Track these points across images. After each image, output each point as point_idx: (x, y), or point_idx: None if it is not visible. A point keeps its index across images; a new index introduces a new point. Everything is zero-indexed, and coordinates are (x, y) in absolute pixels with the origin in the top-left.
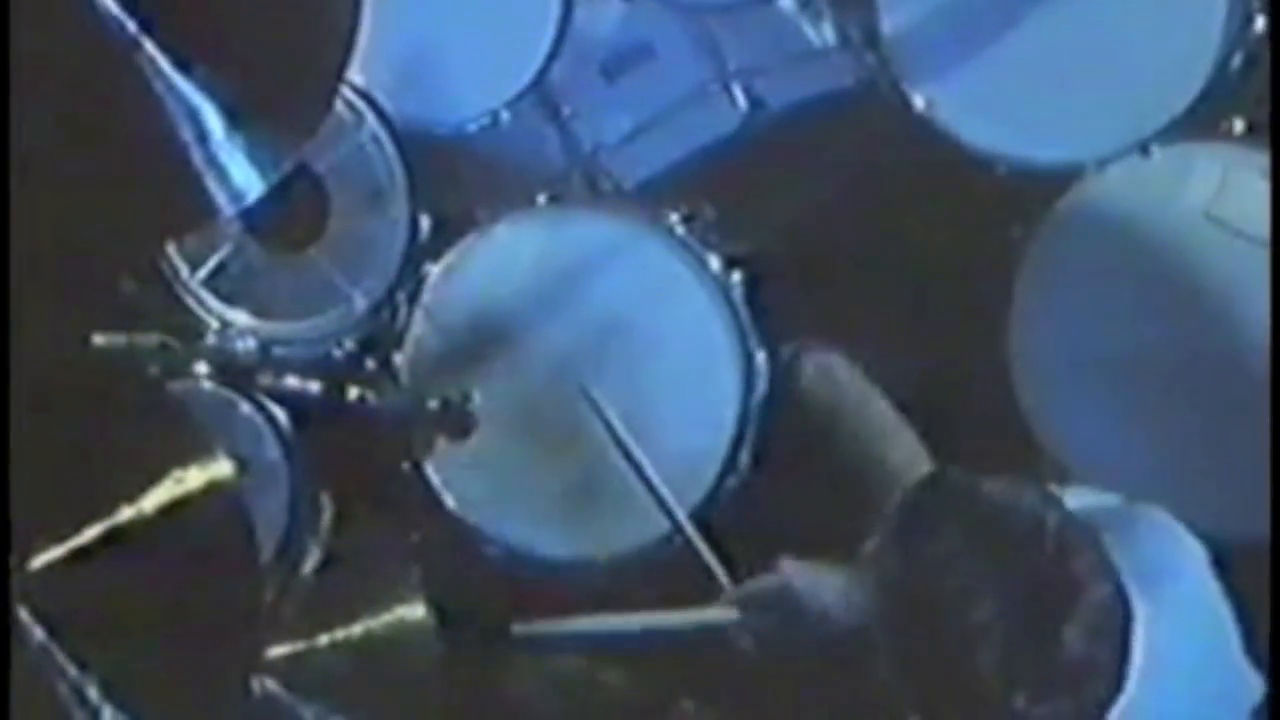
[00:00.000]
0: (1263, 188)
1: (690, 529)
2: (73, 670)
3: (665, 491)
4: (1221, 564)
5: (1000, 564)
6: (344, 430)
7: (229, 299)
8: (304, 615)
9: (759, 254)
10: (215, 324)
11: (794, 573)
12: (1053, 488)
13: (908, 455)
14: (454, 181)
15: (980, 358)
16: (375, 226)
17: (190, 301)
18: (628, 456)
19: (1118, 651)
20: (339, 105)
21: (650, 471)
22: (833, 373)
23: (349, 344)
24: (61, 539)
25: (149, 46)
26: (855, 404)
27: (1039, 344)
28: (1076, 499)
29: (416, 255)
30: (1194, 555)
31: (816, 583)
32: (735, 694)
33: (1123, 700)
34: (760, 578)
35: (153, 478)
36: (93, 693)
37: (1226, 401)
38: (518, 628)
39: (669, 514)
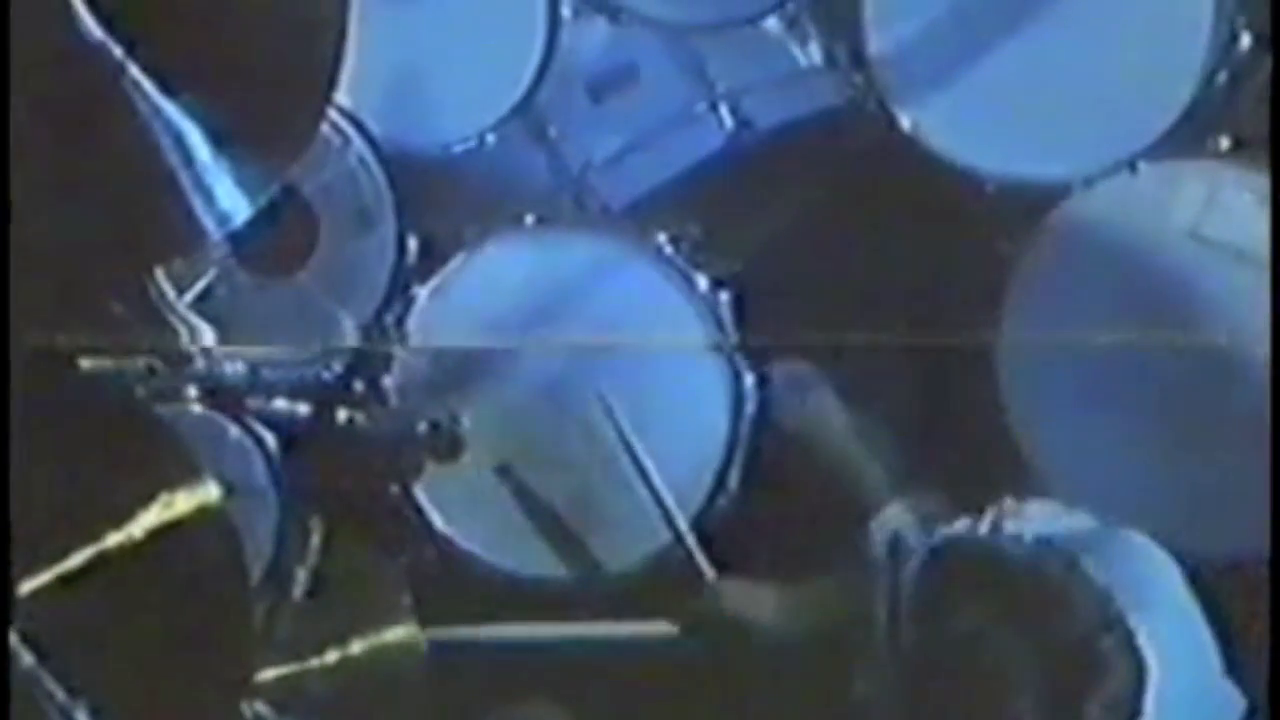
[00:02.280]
0: (1250, 204)
1: (689, 536)
2: (62, 694)
3: (668, 497)
4: (1209, 581)
5: (1022, 630)
6: (333, 453)
7: (217, 322)
8: (294, 638)
9: (746, 274)
10: (203, 347)
11: (730, 592)
12: (1020, 503)
13: (876, 473)
14: (441, 203)
15: (968, 373)
16: (363, 248)
17: (178, 325)
18: (634, 460)
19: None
20: (326, 128)
21: (655, 476)
22: (803, 385)
23: (337, 367)
24: (50, 563)
25: (134, 70)
26: (826, 418)
27: (1027, 359)
28: (1052, 521)
29: (404, 277)
30: (1170, 574)
31: (752, 601)
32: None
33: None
34: (698, 599)
35: (141, 501)
36: (82, 716)
37: (1215, 418)
38: (436, 631)
39: (669, 520)
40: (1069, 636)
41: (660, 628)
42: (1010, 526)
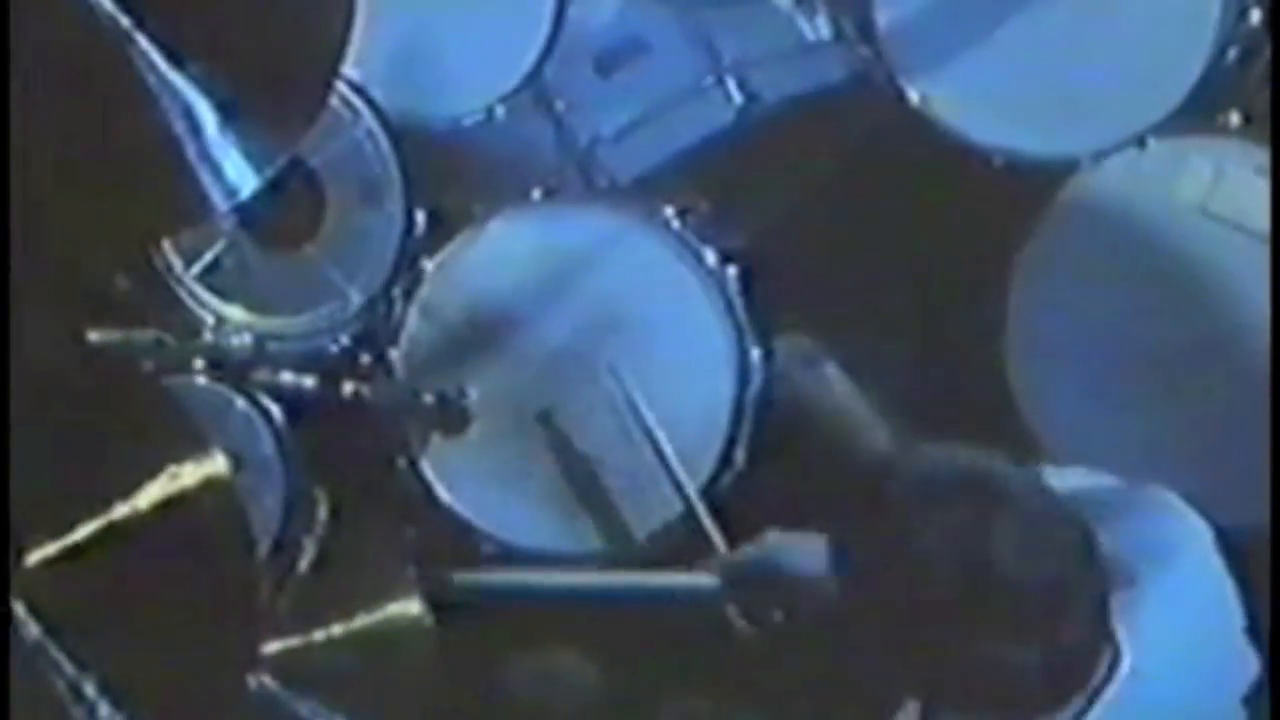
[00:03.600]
0: (1258, 181)
1: (700, 506)
2: (69, 667)
3: (679, 468)
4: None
5: (985, 534)
6: (339, 425)
7: (224, 294)
8: (300, 611)
9: (754, 248)
10: (210, 320)
11: (777, 543)
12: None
13: (884, 442)
14: (449, 176)
15: (976, 350)
16: (370, 221)
17: (185, 297)
18: (647, 433)
19: (1092, 594)
20: (334, 100)
21: (665, 444)
22: (807, 358)
23: (344, 339)
24: (57, 535)
25: (142, 41)
26: (830, 389)
27: (1035, 337)
28: (1079, 479)
29: (412, 250)
30: (1198, 534)
31: (800, 552)
32: (730, 687)
33: (1122, 673)
34: (743, 549)
35: (148, 474)
36: (89, 689)
37: (1222, 394)
38: (460, 577)
39: (681, 491)
40: (1014, 536)
41: (701, 579)
42: None
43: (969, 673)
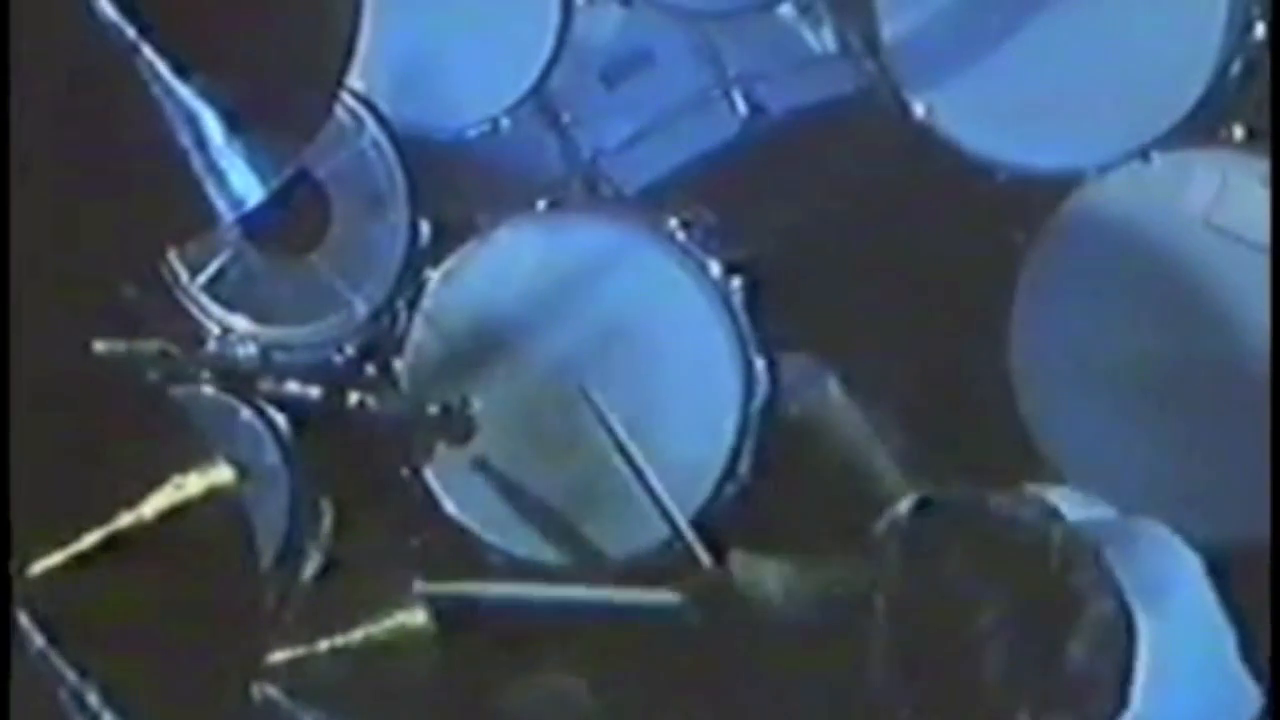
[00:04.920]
0: (1262, 194)
1: (689, 532)
2: (73, 676)
3: (664, 494)
4: (1219, 572)
5: (1003, 578)
6: (344, 436)
7: (229, 305)
8: (304, 621)
9: (759, 260)
10: (216, 330)
11: (740, 564)
12: (1038, 489)
13: (886, 464)
14: (454, 187)
15: (980, 364)
16: (375, 232)
17: (191, 307)
18: (626, 458)
19: (1120, 666)
20: (339, 111)
21: (649, 474)
22: (815, 380)
23: (349, 349)
24: (62, 545)
25: (148, 52)
26: (838, 412)
27: (1039, 350)
28: (1071, 511)
29: (417, 261)
30: (1190, 567)
31: (760, 574)
32: (731, 704)
33: (1127, 716)
34: (708, 569)
35: (153, 483)
36: (93, 698)
37: (1226, 408)
38: (421, 586)
39: (667, 516)
40: (1042, 572)
41: (665, 596)
42: None
43: (973, 704)
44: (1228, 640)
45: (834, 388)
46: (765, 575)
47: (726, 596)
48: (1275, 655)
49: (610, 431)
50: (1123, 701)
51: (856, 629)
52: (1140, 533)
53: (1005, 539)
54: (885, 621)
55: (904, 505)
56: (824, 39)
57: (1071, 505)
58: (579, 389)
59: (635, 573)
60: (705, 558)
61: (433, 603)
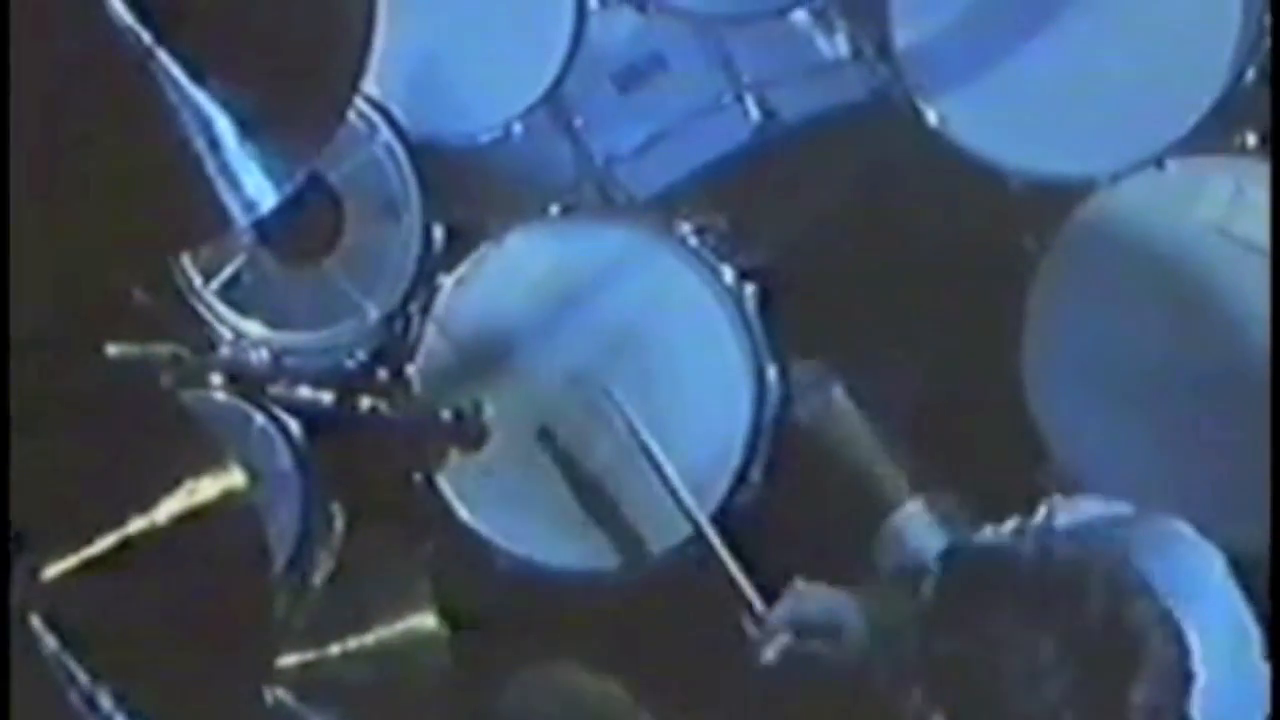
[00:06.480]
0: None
1: (710, 531)
2: (85, 679)
3: (685, 493)
4: (1237, 575)
5: (1052, 625)
6: (356, 441)
7: (242, 310)
8: (316, 625)
9: (772, 265)
10: (228, 335)
11: (808, 594)
12: (1064, 499)
13: (891, 472)
14: (467, 192)
15: (993, 370)
16: (388, 237)
17: (204, 312)
18: (649, 457)
19: (1180, 697)
20: (352, 116)
21: (671, 472)
22: (816, 384)
23: (362, 355)
24: (75, 549)
25: (163, 57)
26: (845, 421)
27: (1052, 357)
28: (1090, 510)
29: (429, 266)
30: (1213, 562)
31: (831, 603)
32: (744, 710)
33: None
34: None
35: (166, 488)
36: (105, 702)
37: (1238, 413)
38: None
39: (689, 515)
40: (1090, 623)
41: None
42: (1061, 521)
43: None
44: (1252, 633)
45: (839, 395)
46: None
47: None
48: (1276, 655)
49: (631, 429)
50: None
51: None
52: (1160, 529)
53: (1046, 584)
54: (930, 677)
55: (915, 517)
56: (837, 45)
57: (1086, 506)
58: (600, 389)
59: (649, 578)
60: (726, 556)
61: (443, 607)
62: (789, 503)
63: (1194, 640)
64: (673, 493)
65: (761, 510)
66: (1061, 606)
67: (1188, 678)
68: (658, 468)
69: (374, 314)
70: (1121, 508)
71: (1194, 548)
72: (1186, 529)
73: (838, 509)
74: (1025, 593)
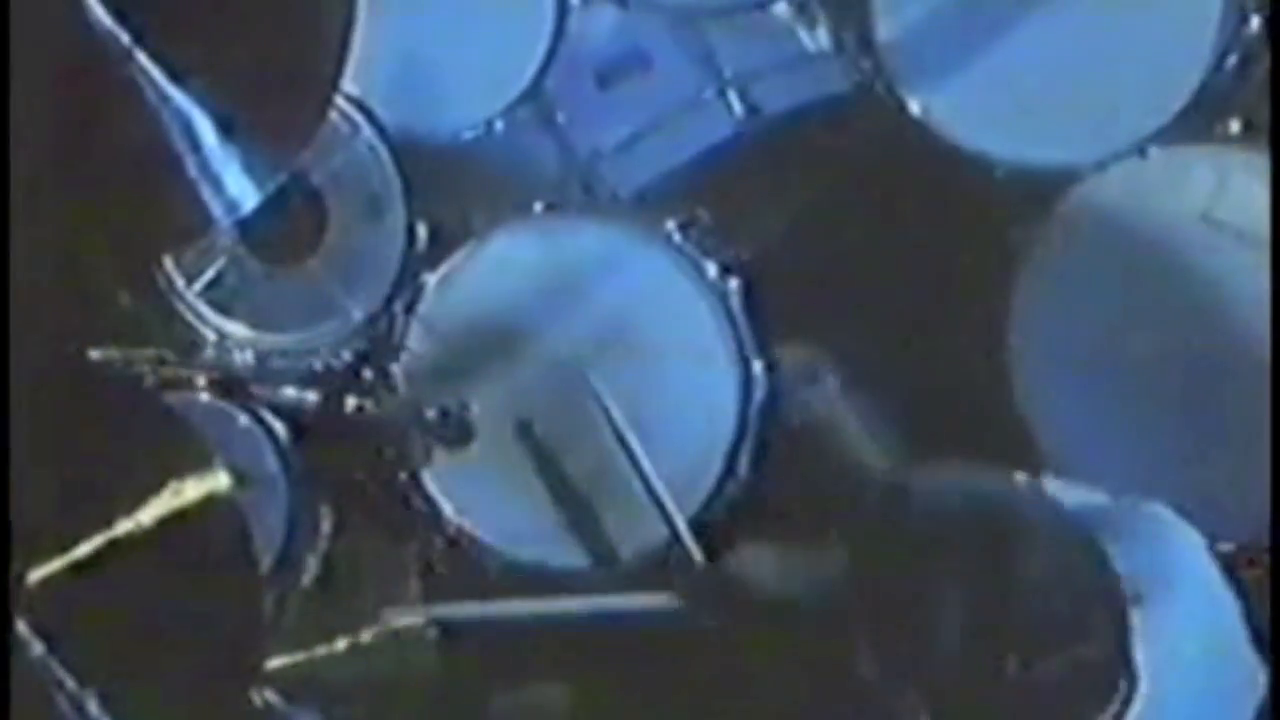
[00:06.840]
0: (1260, 188)
1: (682, 526)
2: (71, 683)
3: (660, 487)
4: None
5: (980, 557)
6: (342, 441)
7: (226, 310)
8: (303, 626)
9: (756, 260)
10: (212, 336)
11: (740, 561)
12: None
13: (879, 461)
14: (450, 190)
15: (978, 360)
16: (372, 236)
17: (187, 313)
18: (627, 452)
19: (1110, 613)
20: (334, 115)
21: (647, 465)
22: (806, 372)
23: (346, 354)
24: (60, 551)
25: (142, 58)
26: (830, 410)
27: (1037, 346)
28: (1074, 496)
29: (413, 265)
30: (1195, 546)
31: (751, 561)
32: (730, 706)
33: (1141, 695)
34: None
35: (151, 490)
36: (92, 705)
37: (1223, 402)
38: (440, 610)
39: (661, 509)
40: (1035, 566)
41: (662, 600)
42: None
43: (984, 696)
44: (1235, 618)
45: (829, 385)
46: (756, 561)
47: (719, 589)
48: (1276, 655)
49: (609, 418)
50: (1132, 683)
51: (845, 614)
52: (1142, 514)
53: (993, 523)
54: (868, 606)
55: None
56: (819, 38)
57: (1070, 492)
58: (580, 375)
59: (634, 575)
60: (696, 553)
61: (430, 608)
62: (777, 495)
63: (1167, 616)
64: (648, 489)
65: (749, 503)
66: (1003, 554)
67: (1125, 620)
68: (635, 463)
69: (358, 314)
70: (1105, 495)
71: (1174, 531)
72: (1167, 512)
73: (825, 501)
74: (967, 539)
